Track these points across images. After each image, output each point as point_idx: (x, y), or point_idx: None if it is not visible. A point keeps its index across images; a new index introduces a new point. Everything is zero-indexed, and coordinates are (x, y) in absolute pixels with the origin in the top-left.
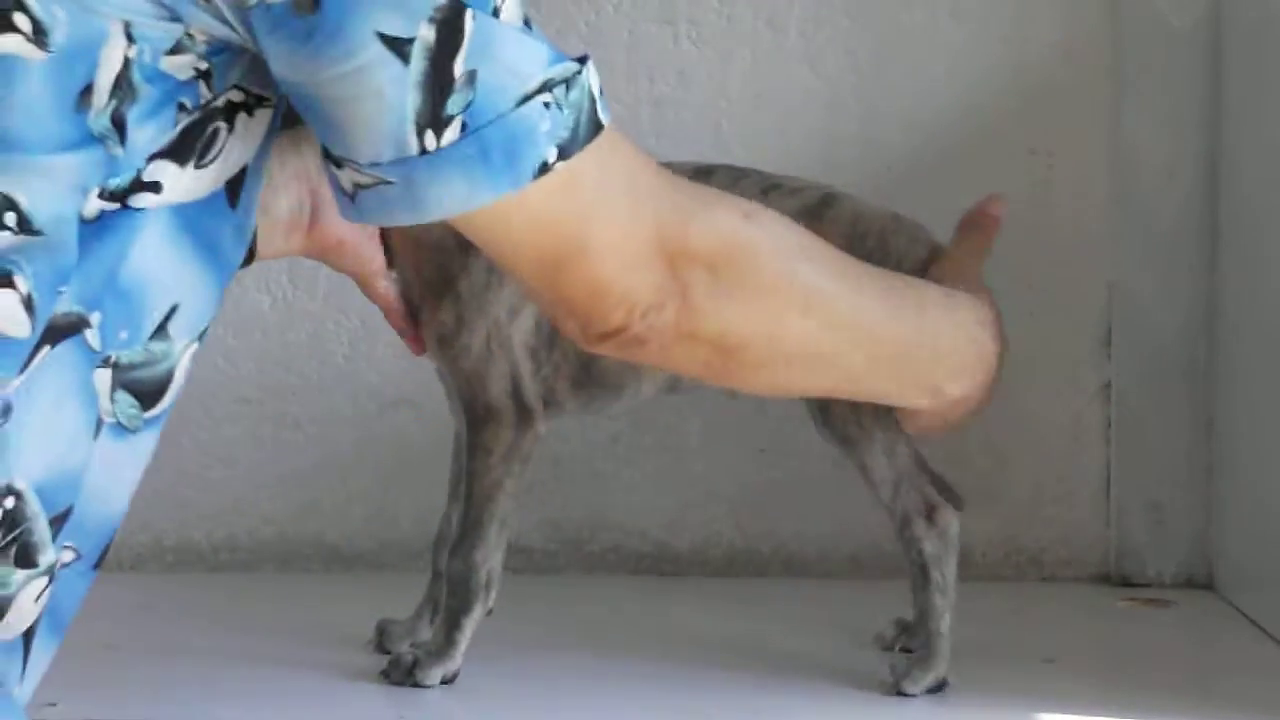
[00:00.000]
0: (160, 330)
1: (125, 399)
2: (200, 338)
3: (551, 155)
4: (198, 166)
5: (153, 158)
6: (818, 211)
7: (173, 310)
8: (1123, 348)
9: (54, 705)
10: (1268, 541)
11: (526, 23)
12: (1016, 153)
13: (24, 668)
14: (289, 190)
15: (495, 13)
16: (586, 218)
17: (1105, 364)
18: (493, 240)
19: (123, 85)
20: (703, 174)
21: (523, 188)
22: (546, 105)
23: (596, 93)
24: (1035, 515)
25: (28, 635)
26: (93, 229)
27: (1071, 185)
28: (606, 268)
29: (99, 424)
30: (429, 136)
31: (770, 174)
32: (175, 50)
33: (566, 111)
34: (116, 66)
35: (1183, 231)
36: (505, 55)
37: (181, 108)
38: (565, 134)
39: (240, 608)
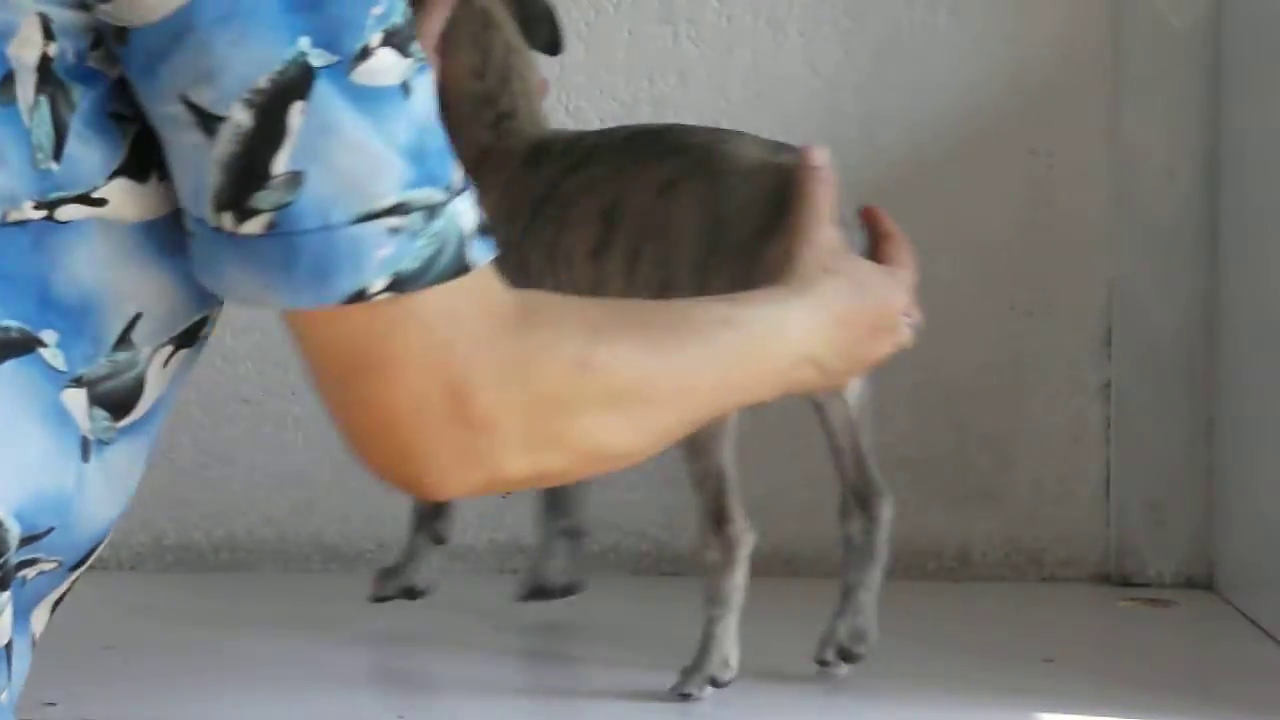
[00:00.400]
0: (123, 340)
1: (99, 413)
2: (190, 343)
3: (377, 285)
4: (163, 179)
5: (113, 176)
6: (702, 164)
7: (135, 319)
8: (1123, 348)
9: (54, 705)
10: (1268, 541)
11: (404, 87)
12: (1016, 153)
13: (9, 674)
14: None
15: (364, 53)
16: (400, 356)
17: (1105, 364)
18: (295, 334)
19: (49, 82)
20: (653, 133)
21: (324, 307)
22: (394, 230)
23: (469, 229)
24: (1035, 515)
25: (7, 645)
26: (20, 240)
27: (1071, 185)
28: (406, 414)
29: (86, 443)
30: (227, 218)
31: (717, 130)
32: (98, 44)
33: (422, 242)
34: (33, 61)
35: (1183, 231)
36: (347, 166)
37: (120, 118)
38: (413, 266)
39: (240, 608)
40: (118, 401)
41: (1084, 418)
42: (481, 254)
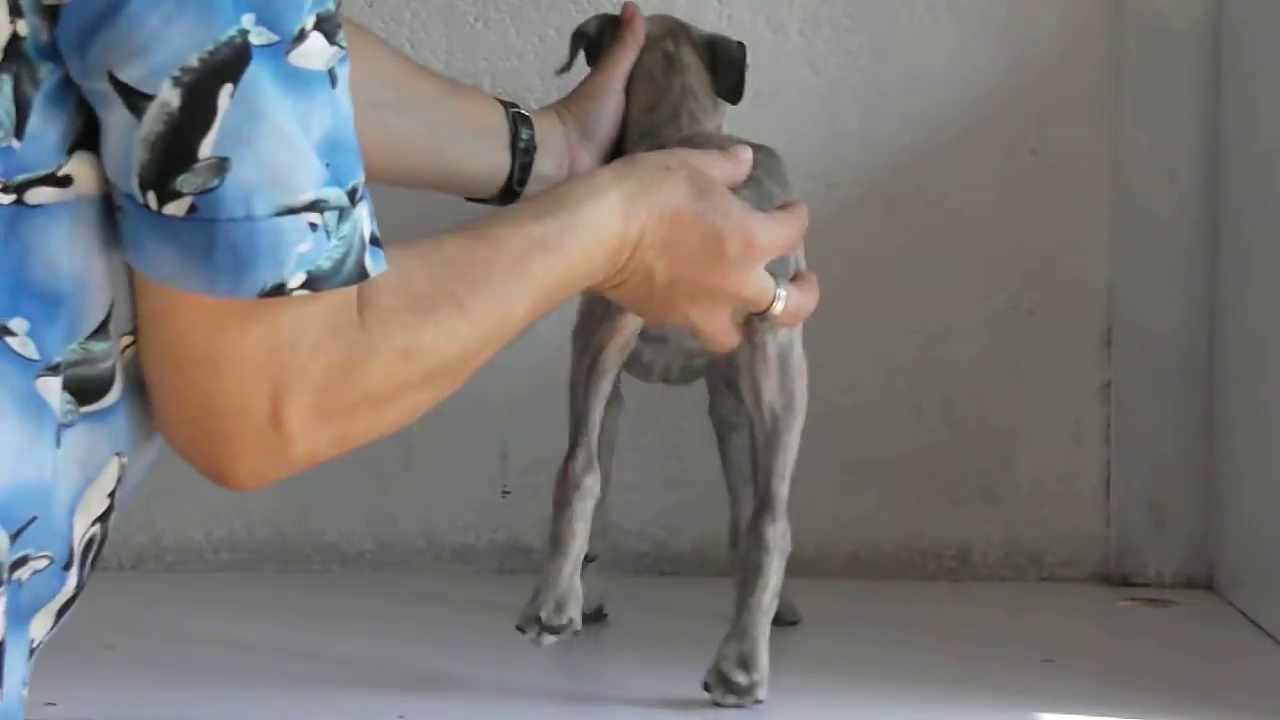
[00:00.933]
0: (101, 329)
1: (65, 397)
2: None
3: (294, 280)
4: None
5: (73, 150)
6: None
7: (111, 307)
8: (1123, 348)
9: (54, 705)
10: (1268, 541)
11: (330, 75)
12: (1016, 153)
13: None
14: (553, 153)
15: (300, 35)
16: (242, 355)
17: (1105, 364)
18: (148, 313)
19: (14, 59)
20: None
21: (241, 298)
22: (313, 226)
23: (367, 236)
24: (1035, 515)
25: None
26: None
27: (1071, 185)
28: (231, 410)
29: (59, 430)
30: (151, 197)
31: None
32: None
33: (334, 242)
34: (2, 40)
35: (1183, 231)
36: (273, 156)
37: (78, 90)
38: (326, 265)
39: (240, 608)
40: (87, 388)
41: (1084, 418)
42: (375, 263)
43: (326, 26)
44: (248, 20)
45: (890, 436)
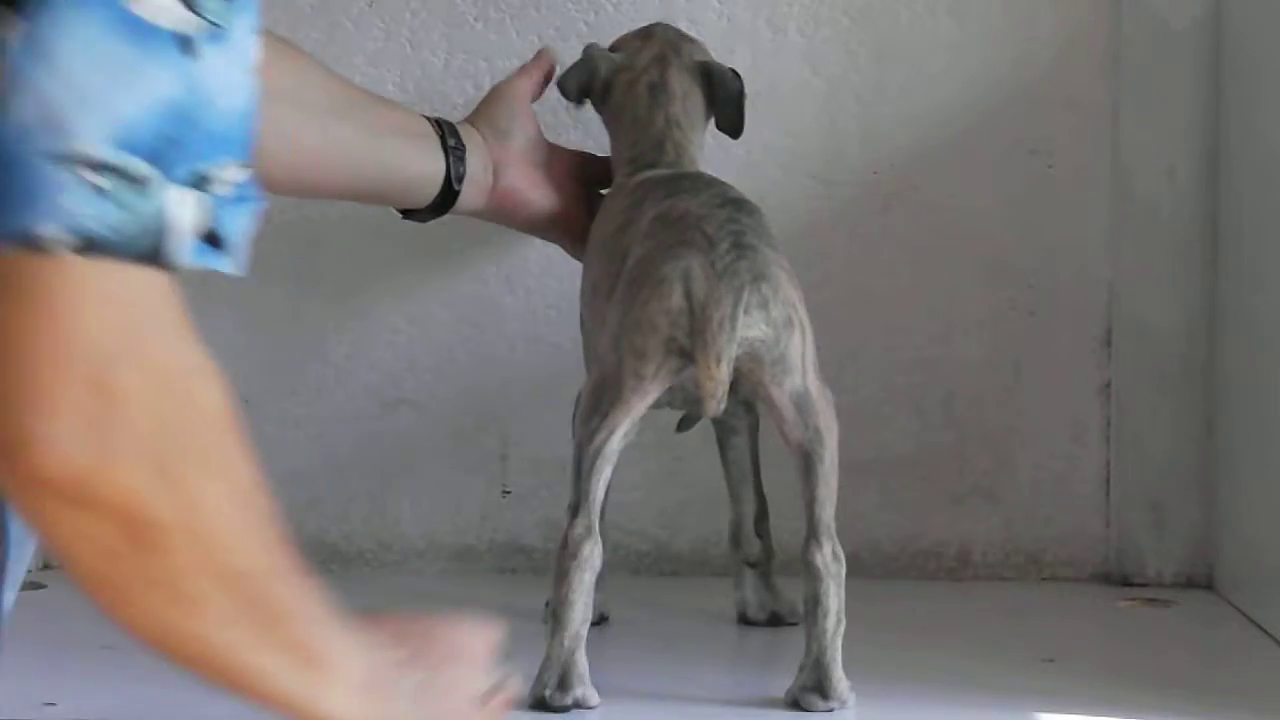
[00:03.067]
0: None
1: None
2: None
3: (52, 231)
4: None
5: None
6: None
7: None
8: (1123, 348)
9: (54, 705)
10: (1268, 541)
11: (183, 42)
12: (1016, 153)
13: None
14: (478, 153)
15: None
16: (69, 319)
17: (1105, 364)
18: None
19: None
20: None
21: None
22: (95, 189)
23: (187, 227)
24: (1035, 515)
25: None
26: None
27: (1071, 185)
28: (38, 375)
29: None
30: None
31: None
32: None
33: (120, 212)
34: None
35: (1183, 231)
36: (56, 98)
37: None
38: (102, 231)
39: None
40: None
41: (1084, 418)
42: (195, 257)
43: None
44: None
45: (890, 436)
